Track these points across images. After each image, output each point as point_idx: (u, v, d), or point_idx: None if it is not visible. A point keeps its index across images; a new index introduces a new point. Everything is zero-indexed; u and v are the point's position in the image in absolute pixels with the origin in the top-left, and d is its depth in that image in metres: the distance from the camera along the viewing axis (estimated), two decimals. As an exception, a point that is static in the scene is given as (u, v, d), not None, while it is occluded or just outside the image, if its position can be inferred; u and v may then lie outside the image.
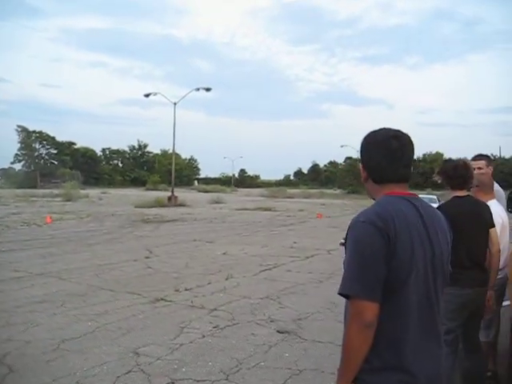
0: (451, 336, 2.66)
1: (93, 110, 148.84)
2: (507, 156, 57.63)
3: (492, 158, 4.19)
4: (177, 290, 6.27)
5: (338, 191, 62.45)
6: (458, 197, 2.85)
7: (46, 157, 75.67)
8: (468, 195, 2.88)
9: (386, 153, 1.47)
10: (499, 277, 3.03)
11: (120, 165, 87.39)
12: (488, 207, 2.92)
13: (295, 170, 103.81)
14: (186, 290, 6.31)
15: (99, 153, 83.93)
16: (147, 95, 30.70)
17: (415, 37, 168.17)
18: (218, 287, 6.48)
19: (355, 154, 63.78)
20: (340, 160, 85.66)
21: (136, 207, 24.22)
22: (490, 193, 3.28)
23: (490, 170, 3.59)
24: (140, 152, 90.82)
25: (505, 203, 3.70)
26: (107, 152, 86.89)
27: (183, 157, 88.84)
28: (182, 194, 35.57)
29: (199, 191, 57.25)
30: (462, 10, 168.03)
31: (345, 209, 27.08)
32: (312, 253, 9.91)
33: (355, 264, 1.36)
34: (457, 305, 2.71)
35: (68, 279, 6.87)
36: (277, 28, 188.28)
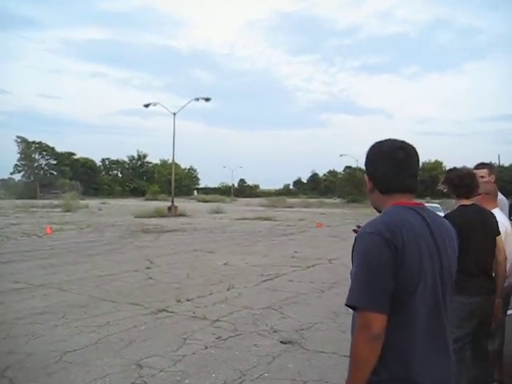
0: (459, 344, 2.65)
1: (92, 121, 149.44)
2: (506, 164, 57.73)
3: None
4: (178, 301, 6.24)
5: (337, 200, 62.55)
6: (464, 205, 2.88)
7: (46, 167, 75.96)
8: (473, 204, 2.91)
9: (392, 164, 1.48)
10: (504, 285, 3.02)
11: (119, 175, 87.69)
12: (493, 215, 2.95)
13: (295, 179, 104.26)
14: (188, 300, 6.28)
15: (99, 163, 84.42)
16: (147, 105, 30.89)
17: (414, 46, 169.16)
18: (220, 298, 6.45)
19: (354, 163, 64.24)
20: (339, 169, 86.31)
21: (136, 217, 24.25)
22: (494, 201, 3.29)
23: (492, 178, 3.61)
24: (139, 162, 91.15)
25: (507, 211, 3.71)
26: (107, 162, 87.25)
27: (183, 167, 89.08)
28: (181, 203, 35.62)
29: (199, 201, 57.36)
30: (461, 19, 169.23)
31: (345, 218, 27.10)
32: (313, 262, 9.88)
33: (363, 275, 1.35)
34: (465, 313, 2.71)
35: (69, 290, 6.84)
36: (276, 38, 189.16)
